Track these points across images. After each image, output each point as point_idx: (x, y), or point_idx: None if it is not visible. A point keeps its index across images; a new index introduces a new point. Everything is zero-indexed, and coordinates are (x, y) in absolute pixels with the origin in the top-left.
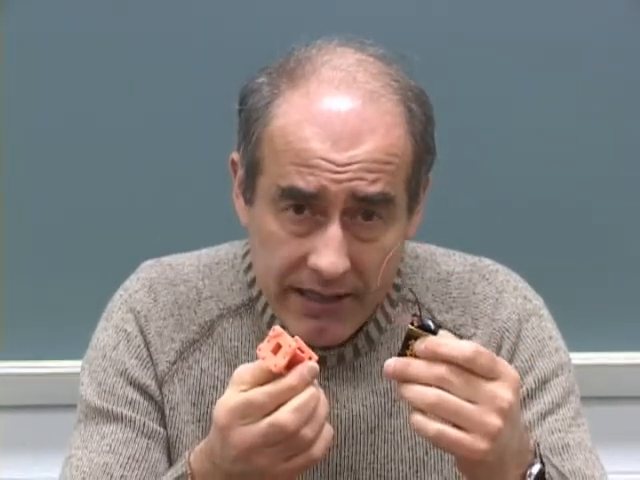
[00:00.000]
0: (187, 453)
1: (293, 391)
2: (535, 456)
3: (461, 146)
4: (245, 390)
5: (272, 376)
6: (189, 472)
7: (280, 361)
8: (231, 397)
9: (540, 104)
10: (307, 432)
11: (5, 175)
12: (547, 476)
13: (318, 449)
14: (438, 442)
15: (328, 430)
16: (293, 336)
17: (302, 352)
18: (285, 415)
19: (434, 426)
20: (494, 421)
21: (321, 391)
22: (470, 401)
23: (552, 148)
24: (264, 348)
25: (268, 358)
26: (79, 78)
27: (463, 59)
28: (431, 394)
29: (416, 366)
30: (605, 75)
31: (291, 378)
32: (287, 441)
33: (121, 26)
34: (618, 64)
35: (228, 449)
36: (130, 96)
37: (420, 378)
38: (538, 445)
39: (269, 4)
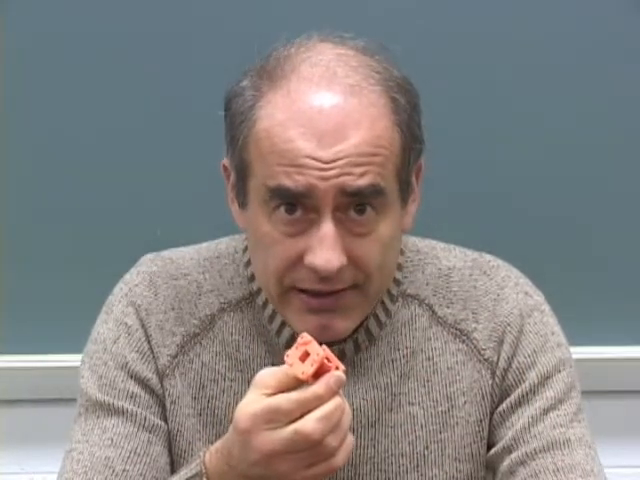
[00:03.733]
0: (202, 452)
1: (319, 400)
2: None
3: (461, 140)
4: (269, 395)
5: (297, 382)
6: (204, 471)
7: (308, 369)
8: (254, 401)
9: (540, 99)
10: (331, 441)
11: (6, 170)
12: None
13: (340, 458)
14: None
15: (350, 440)
16: (320, 344)
17: (329, 361)
18: (311, 424)
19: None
20: None
21: (345, 401)
22: None
23: (553, 141)
24: (292, 355)
25: (296, 365)
26: (78, 78)
27: (456, 49)
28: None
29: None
30: (604, 70)
31: (318, 387)
32: (311, 449)
33: (120, 26)
34: (618, 63)
35: (248, 453)
36: (132, 93)
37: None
38: None
39: (265, 5)
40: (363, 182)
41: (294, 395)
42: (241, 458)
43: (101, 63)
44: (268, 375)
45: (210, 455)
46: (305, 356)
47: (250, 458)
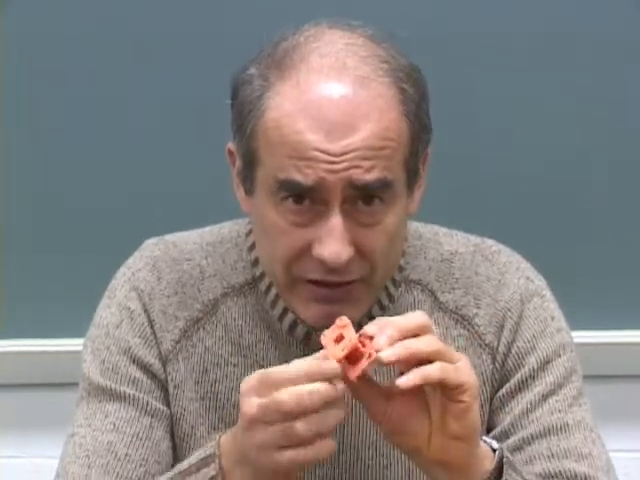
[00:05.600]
0: (218, 435)
1: (305, 377)
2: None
3: (462, 128)
4: None
5: None
6: (217, 453)
7: (339, 353)
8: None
9: (540, 89)
10: (301, 427)
11: (6, 161)
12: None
13: (308, 453)
14: (446, 377)
15: (327, 443)
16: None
17: (364, 346)
18: (286, 395)
19: (436, 365)
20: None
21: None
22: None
23: (554, 130)
24: (328, 336)
25: (329, 347)
26: (79, 76)
27: (455, 47)
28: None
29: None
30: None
31: (309, 364)
32: (282, 425)
33: (121, 24)
34: (618, 59)
35: (241, 419)
36: (132, 88)
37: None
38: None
39: None
40: (371, 177)
41: (285, 367)
42: (239, 426)
43: (102, 51)
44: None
45: (226, 437)
46: (340, 339)
47: (241, 425)
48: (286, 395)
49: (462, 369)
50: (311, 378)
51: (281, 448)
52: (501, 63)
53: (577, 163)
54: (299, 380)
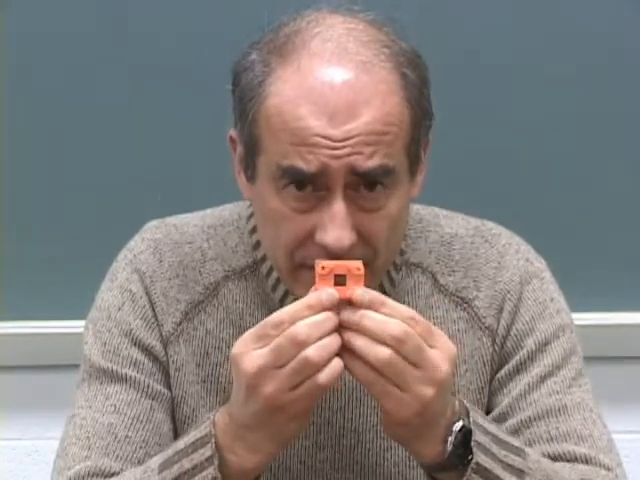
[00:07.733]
0: (212, 414)
1: (309, 309)
2: (459, 416)
3: (462, 110)
4: None
5: None
6: (213, 432)
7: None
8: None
9: (541, 74)
10: (314, 354)
11: (6, 148)
12: (473, 435)
13: (325, 376)
14: (372, 388)
15: (337, 362)
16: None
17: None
18: (298, 326)
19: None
20: (428, 391)
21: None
22: (414, 364)
23: (554, 114)
24: (321, 285)
25: (340, 290)
26: (79, 72)
27: (462, 22)
28: (385, 353)
29: (374, 319)
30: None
31: (308, 298)
32: (294, 360)
33: (120, 21)
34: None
35: (239, 380)
36: (132, 80)
37: (375, 334)
38: (464, 404)
39: None
40: (372, 163)
41: (280, 310)
42: (236, 398)
43: (102, 46)
44: None
45: (220, 415)
46: (339, 279)
47: (241, 389)
48: (297, 327)
49: (399, 397)
50: (313, 309)
51: (296, 386)
52: (501, 47)
53: (576, 145)
54: (302, 314)
